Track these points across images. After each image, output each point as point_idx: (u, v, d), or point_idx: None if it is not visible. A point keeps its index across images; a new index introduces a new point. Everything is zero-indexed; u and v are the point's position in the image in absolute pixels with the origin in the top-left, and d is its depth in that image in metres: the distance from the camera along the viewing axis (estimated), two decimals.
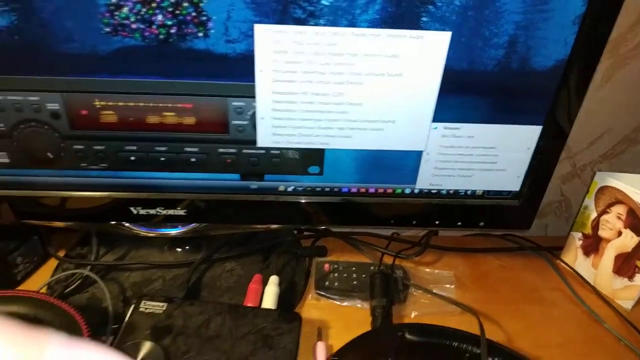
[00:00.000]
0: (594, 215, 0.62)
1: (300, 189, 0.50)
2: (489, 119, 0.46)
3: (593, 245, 0.63)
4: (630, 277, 0.60)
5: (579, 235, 0.65)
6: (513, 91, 0.45)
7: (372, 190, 0.50)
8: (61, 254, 0.62)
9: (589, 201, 0.62)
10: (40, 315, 0.46)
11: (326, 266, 0.62)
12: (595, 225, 0.62)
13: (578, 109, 0.47)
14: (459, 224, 0.53)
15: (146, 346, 0.46)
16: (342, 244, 0.68)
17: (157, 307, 0.50)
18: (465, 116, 0.46)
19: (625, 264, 0.60)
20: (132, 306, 0.50)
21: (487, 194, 0.51)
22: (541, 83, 0.44)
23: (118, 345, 0.46)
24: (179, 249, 0.62)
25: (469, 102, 0.45)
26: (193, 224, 0.54)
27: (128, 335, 0.47)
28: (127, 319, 0.49)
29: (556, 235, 0.76)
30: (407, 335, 0.49)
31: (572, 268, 0.66)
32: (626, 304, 0.61)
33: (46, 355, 0.24)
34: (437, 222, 0.52)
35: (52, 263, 0.62)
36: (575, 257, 0.66)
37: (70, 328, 0.44)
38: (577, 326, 0.59)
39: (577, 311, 0.61)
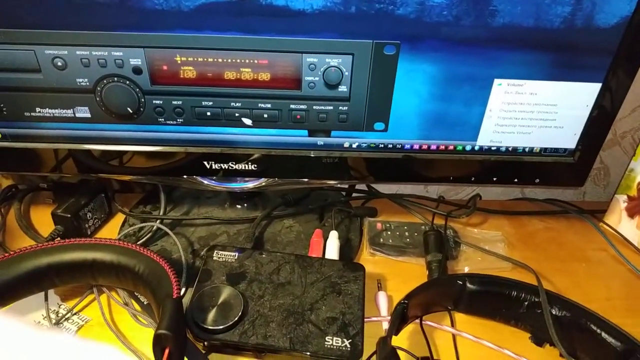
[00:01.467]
0: (639, 178, 0.64)
1: (365, 145, 0.52)
2: (551, 76, 0.48)
3: (637, 207, 0.65)
4: None
5: (624, 197, 0.66)
6: (576, 48, 0.46)
7: (433, 147, 0.52)
8: (126, 211, 0.65)
9: (635, 164, 0.64)
10: (123, 261, 0.49)
11: (379, 225, 0.64)
12: None
13: (638, 68, 0.48)
14: (516, 180, 0.55)
15: (226, 290, 0.49)
16: (391, 205, 0.70)
17: (229, 256, 0.53)
18: (528, 73, 0.48)
19: None
20: (206, 255, 0.53)
21: (544, 151, 0.53)
22: (603, 40, 0.46)
23: (198, 289, 0.49)
24: (238, 206, 0.65)
25: (533, 59, 0.47)
26: (262, 179, 0.56)
27: (205, 281, 0.50)
28: (202, 266, 0.52)
29: (596, 201, 0.77)
30: (468, 284, 0.51)
31: (615, 230, 0.68)
32: None
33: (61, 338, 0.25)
34: (494, 179, 0.54)
35: (117, 220, 0.65)
36: (619, 220, 0.68)
37: (154, 273, 0.47)
38: (623, 283, 0.61)
39: (622, 270, 0.63)
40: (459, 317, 0.54)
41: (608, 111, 0.51)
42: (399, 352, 0.47)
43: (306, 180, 0.55)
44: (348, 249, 0.61)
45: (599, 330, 0.47)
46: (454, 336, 0.52)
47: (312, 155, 0.52)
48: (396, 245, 0.62)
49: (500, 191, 0.81)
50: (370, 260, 0.61)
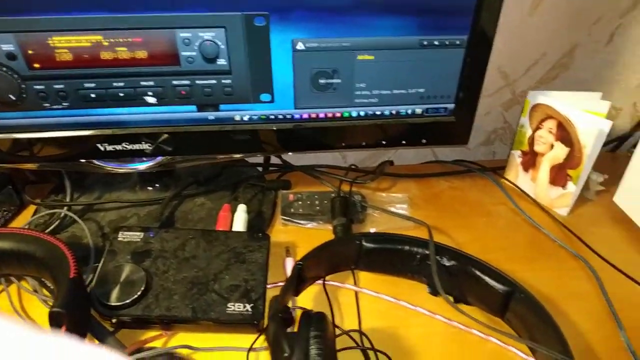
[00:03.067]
0: (529, 132, 0.68)
1: (255, 117, 0.54)
2: (418, 40, 0.50)
3: (531, 160, 0.70)
4: (564, 186, 0.67)
5: (518, 153, 0.71)
6: (437, 11, 0.49)
7: (321, 115, 0.55)
8: (37, 201, 0.64)
9: (524, 119, 0.68)
10: (23, 248, 0.49)
11: (290, 196, 0.67)
12: (531, 141, 0.68)
13: (495, 25, 0.51)
14: (404, 142, 0.58)
15: (128, 267, 0.50)
16: (305, 177, 0.72)
17: (134, 236, 0.54)
18: (395, 39, 0.50)
19: (559, 174, 0.67)
20: (112, 236, 0.54)
21: (426, 112, 0.56)
22: (460, 2, 0.49)
23: (102, 270, 0.50)
24: (149, 188, 0.65)
25: (399, 24, 0.49)
26: (159, 158, 0.57)
27: (110, 261, 0.51)
28: (107, 247, 0.53)
29: (501, 159, 0.82)
30: (364, 243, 0.54)
31: (514, 184, 0.73)
32: (562, 211, 0.68)
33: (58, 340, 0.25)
34: (384, 143, 0.57)
35: (29, 212, 0.65)
36: (517, 174, 0.73)
37: (54, 256, 0.48)
38: (519, 233, 0.65)
39: (519, 221, 0.68)
40: (362, 275, 0.57)
41: (476, 69, 0.54)
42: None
43: (206, 155, 0.57)
44: (260, 222, 0.63)
45: (483, 276, 0.51)
46: (356, 293, 0.55)
47: (204, 131, 0.53)
48: (306, 214, 0.64)
49: (413, 156, 0.84)
50: (282, 230, 0.64)
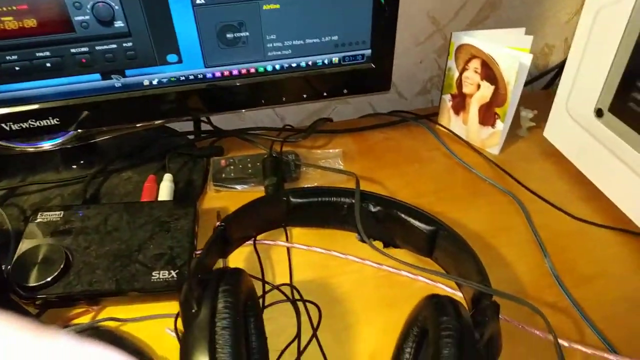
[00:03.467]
0: (456, 74, 0.68)
1: (165, 80, 0.52)
2: None
3: (460, 103, 0.70)
4: (493, 125, 0.67)
5: (448, 96, 0.71)
6: None
7: (235, 72, 0.53)
8: None
9: (451, 62, 0.68)
10: None
11: (222, 162, 0.66)
12: (459, 83, 0.68)
13: None
14: (325, 94, 0.57)
15: (45, 247, 0.48)
16: (239, 142, 0.71)
17: (54, 215, 0.53)
18: None
19: (487, 114, 0.67)
20: (30, 219, 0.52)
21: (343, 60, 0.55)
22: None
23: (19, 252, 0.48)
24: (74, 167, 0.63)
25: None
26: (71, 132, 0.55)
27: (27, 244, 0.50)
28: (25, 230, 0.51)
29: (437, 106, 0.82)
30: (292, 199, 0.54)
31: (447, 128, 0.73)
32: (493, 150, 0.69)
33: (59, 340, 0.24)
34: (304, 96, 0.56)
35: None
36: (449, 119, 0.73)
37: None
38: (451, 176, 0.66)
39: (451, 164, 0.68)
40: (296, 231, 0.57)
41: (389, 9, 0.53)
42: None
43: (121, 125, 0.55)
44: (191, 190, 0.62)
45: (408, 218, 0.51)
46: (288, 249, 0.55)
47: (113, 99, 0.51)
48: (238, 178, 0.63)
49: (352, 112, 0.84)
50: (214, 196, 0.63)
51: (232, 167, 0.65)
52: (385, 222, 0.53)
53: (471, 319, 0.36)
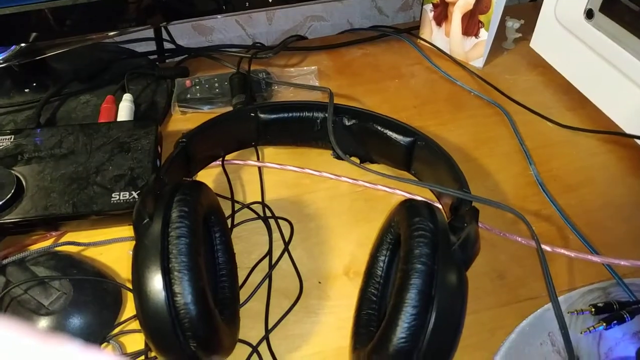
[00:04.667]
0: None
1: None
2: None
3: (442, 13, 0.65)
4: (476, 35, 0.63)
5: (430, 7, 0.66)
6: None
7: None
8: None
9: None
10: None
11: (187, 82, 0.61)
12: None
13: None
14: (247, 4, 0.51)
15: None
16: (205, 62, 0.66)
17: (4, 140, 0.49)
18: None
19: (471, 22, 0.62)
20: None
21: None
22: None
23: None
24: (26, 90, 0.59)
25: None
26: (13, 46, 0.50)
27: None
28: None
29: (418, 20, 0.77)
30: (260, 114, 0.50)
31: (429, 42, 0.68)
32: (477, 62, 0.65)
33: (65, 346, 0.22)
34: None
35: None
36: (430, 31, 0.68)
37: None
38: (433, 90, 0.62)
39: (434, 77, 0.64)
40: (268, 151, 0.54)
41: None
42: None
43: (66, 38, 0.50)
44: (154, 112, 0.58)
45: (384, 130, 0.48)
46: (259, 168, 0.52)
47: (52, 7, 0.46)
48: (204, 98, 0.59)
49: (330, 29, 0.79)
50: (180, 118, 0.59)
51: (197, 87, 0.61)
52: (360, 135, 0.50)
53: (448, 224, 0.34)
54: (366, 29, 0.74)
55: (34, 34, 0.48)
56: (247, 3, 0.51)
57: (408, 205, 0.34)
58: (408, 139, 0.47)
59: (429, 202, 0.36)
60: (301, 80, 0.62)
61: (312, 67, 0.64)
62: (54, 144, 0.49)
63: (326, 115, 0.50)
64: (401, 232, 0.33)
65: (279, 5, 0.53)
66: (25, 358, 0.21)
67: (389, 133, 0.48)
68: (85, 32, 0.50)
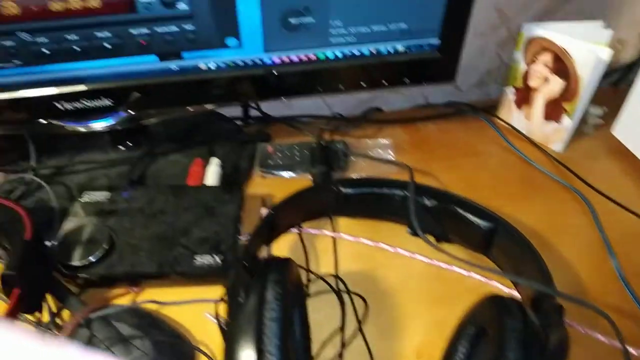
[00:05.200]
0: (523, 67, 0.64)
1: (223, 65, 0.51)
2: None
3: (525, 96, 0.65)
4: (559, 121, 0.63)
5: (512, 89, 0.67)
6: None
7: (295, 58, 0.51)
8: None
9: (518, 54, 0.64)
10: None
11: (269, 148, 0.64)
12: (525, 76, 0.64)
13: None
14: (385, 83, 0.54)
15: (91, 226, 0.48)
16: (286, 129, 0.69)
17: (100, 195, 0.52)
18: None
19: (554, 109, 0.62)
20: (78, 197, 0.52)
21: (409, 49, 0.52)
22: None
23: (64, 230, 0.48)
24: (121, 148, 0.63)
25: None
26: (123, 114, 0.55)
27: (73, 222, 0.49)
28: (71, 208, 0.51)
29: (495, 99, 0.78)
30: (342, 189, 0.51)
31: (507, 122, 0.68)
32: (557, 146, 0.64)
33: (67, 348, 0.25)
34: (363, 84, 0.54)
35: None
36: (510, 112, 0.68)
37: (11, 219, 0.46)
38: (510, 171, 0.62)
39: (511, 158, 0.64)
40: (342, 220, 0.54)
41: (463, 1, 0.50)
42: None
43: (174, 108, 0.54)
44: (237, 176, 0.60)
45: (465, 213, 0.48)
46: (333, 239, 0.52)
47: (168, 82, 0.50)
48: (285, 165, 0.62)
49: (404, 101, 0.80)
50: (260, 182, 0.61)
51: (279, 154, 0.63)
52: (439, 215, 0.50)
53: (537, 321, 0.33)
54: (442, 104, 0.75)
55: (144, 105, 0.52)
56: (341, 86, 0.53)
57: (498, 302, 0.33)
58: (489, 224, 0.47)
59: (516, 300, 0.35)
60: (377, 152, 0.64)
61: (389, 141, 0.66)
62: (145, 203, 0.52)
63: (406, 193, 0.50)
64: (489, 330, 0.32)
65: (371, 89, 0.55)
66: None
67: (470, 217, 0.48)
68: (188, 105, 0.54)
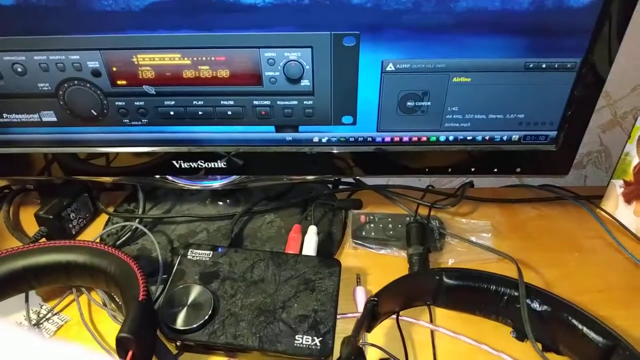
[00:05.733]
0: (635, 161, 0.61)
1: (335, 139, 0.51)
2: (523, 63, 0.45)
3: (635, 192, 0.62)
4: None
5: (620, 182, 0.64)
6: (547, 31, 0.43)
7: (406, 139, 0.51)
8: (110, 210, 0.65)
9: (631, 147, 0.61)
10: (95, 263, 0.49)
11: (362, 217, 0.63)
12: (637, 171, 0.61)
13: (617, 48, 0.45)
14: (495, 170, 0.53)
15: (196, 289, 0.48)
16: (377, 197, 0.69)
17: (204, 254, 0.53)
18: (498, 61, 0.45)
19: None
20: (181, 254, 0.53)
21: (523, 139, 0.51)
22: (578, 21, 0.43)
23: (170, 289, 0.49)
24: (220, 203, 0.64)
25: (502, 44, 0.44)
26: (233, 176, 0.56)
27: (178, 281, 0.50)
28: (176, 265, 0.52)
29: (595, 186, 0.74)
30: (445, 279, 0.50)
31: (612, 216, 0.65)
32: None
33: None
34: (472, 170, 0.52)
35: (102, 219, 0.65)
36: (616, 206, 0.65)
37: (124, 274, 0.47)
38: (618, 273, 0.58)
39: (618, 258, 0.60)
40: (440, 311, 0.52)
41: (588, 97, 0.48)
42: (372, 349, 0.47)
43: (281, 175, 0.55)
44: (329, 243, 0.60)
45: (580, 325, 0.45)
46: (432, 332, 0.50)
47: (281, 152, 0.51)
48: (379, 238, 0.61)
49: (496, 177, 0.78)
50: (352, 254, 0.60)
51: (372, 225, 0.62)
52: (550, 323, 0.47)
53: None
54: (538, 187, 0.72)
55: (254, 170, 0.53)
56: (450, 169, 0.52)
57: None
58: (608, 343, 0.44)
59: None
60: (474, 234, 0.62)
61: (486, 223, 0.64)
62: (247, 267, 0.52)
63: (514, 293, 0.48)
64: None
65: (480, 175, 0.54)
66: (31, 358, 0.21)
67: (586, 330, 0.45)
68: (294, 174, 0.54)
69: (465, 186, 0.69)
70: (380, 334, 0.50)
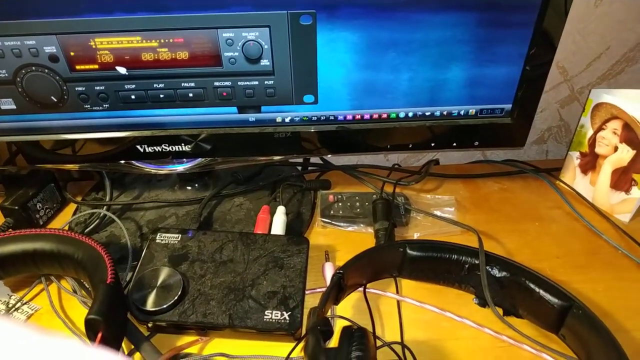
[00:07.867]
0: (590, 133, 0.63)
1: (298, 119, 0.52)
2: (476, 37, 0.47)
3: (590, 163, 0.65)
4: (627, 191, 0.61)
5: (577, 154, 0.66)
6: (499, 6, 0.45)
7: (366, 116, 0.52)
8: (78, 199, 0.65)
9: (585, 119, 0.63)
10: (62, 249, 0.49)
11: (330, 197, 0.64)
12: (592, 142, 0.63)
13: (563, 21, 0.47)
14: (454, 144, 0.54)
15: (165, 271, 0.49)
16: (345, 177, 0.70)
17: (172, 238, 0.53)
18: (452, 36, 0.47)
19: (622, 178, 0.61)
20: (150, 238, 0.53)
21: (480, 113, 0.53)
22: None
23: (139, 272, 0.49)
24: (189, 187, 0.65)
25: (456, 21, 0.46)
26: (199, 159, 0.56)
27: (147, 264, 0.51)
28: (145, 249, 0.52)
29: (555, 159, 0.77)
30: (408, 251, 0.51)
31: (570, 187, 0.68)
32: (624, 217, 0.63)
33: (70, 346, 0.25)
34: (432, 145, 0.54)
35: (71, 209, 0.65)
36: (573, 177, 0.68)
37: (92, 259, 0.47)
38: (576, 240, 0.61)
39: (576, 226, 0.63)
40: (405, 282, 0.54)
41: (537, 67, 0.50)
42: (342, 322, 0.48)
43: (247, 157, 0.55)
44: (299, 223, 0.61)
45: (537, 289, 0.47)
46: (398, 302, 0.52)
47: (244, 132, 0.52)
48: (346, 216, 0.62)
49: (461, 155, 0.80)
50: (321, 232, 0.61)
51: (340, 204, 0.64)
52: (509, 288, 0.49)
53: None
54: (501, 162, 0.74)
55: (219, 152, 0.53)
56: (411, 145, 0.53)
57: None
58: (563, 304, 0.46)
59: None
60: (438, 209, 0.64)
61: (450, 198, 0.66)
62: (216, 249, 0.52)
63: (474, 261, 0.50)
64: None
65: (440, 149, 0.55)
66: (28, 354, 0.22)
67: (543, 293, 0.47)
68: (260, 155, 0.55)
69: (430, 163, 0.70)
70: (348, 307, 0.51)
